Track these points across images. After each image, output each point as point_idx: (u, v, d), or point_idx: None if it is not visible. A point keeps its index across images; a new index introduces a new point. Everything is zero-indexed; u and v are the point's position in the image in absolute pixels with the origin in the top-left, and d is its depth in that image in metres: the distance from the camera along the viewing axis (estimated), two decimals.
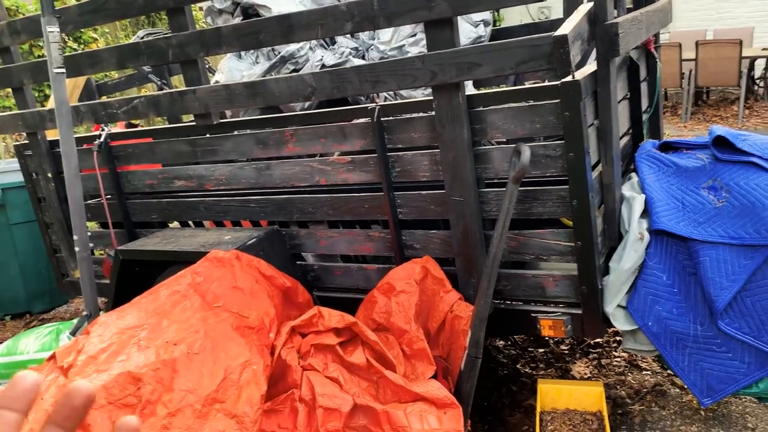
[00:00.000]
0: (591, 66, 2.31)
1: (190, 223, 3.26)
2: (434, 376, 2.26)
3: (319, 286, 2.83)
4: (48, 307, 4.29)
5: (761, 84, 8.77)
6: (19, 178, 3.99)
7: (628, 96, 2.70)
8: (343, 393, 2.13)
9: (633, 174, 2.53)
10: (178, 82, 4.77)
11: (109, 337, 2.22)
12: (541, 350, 3.23)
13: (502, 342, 3.34)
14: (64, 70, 2.50)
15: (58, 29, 2.48)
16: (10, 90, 4.14)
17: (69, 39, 7.51)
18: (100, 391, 2.01)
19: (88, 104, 3.06)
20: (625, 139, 2.68)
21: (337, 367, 2.21)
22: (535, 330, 2.36)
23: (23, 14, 6.75)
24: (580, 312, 2.28)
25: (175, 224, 3.33)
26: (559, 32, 1.97)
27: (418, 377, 2.25)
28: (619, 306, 2.29)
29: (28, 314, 4.24)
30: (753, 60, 8.03)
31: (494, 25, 3.84)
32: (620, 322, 2.29)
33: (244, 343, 2.15)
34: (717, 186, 2.28)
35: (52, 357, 2.36)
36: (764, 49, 8.04)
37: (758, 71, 8.79)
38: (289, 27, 2.39)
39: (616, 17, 2.30)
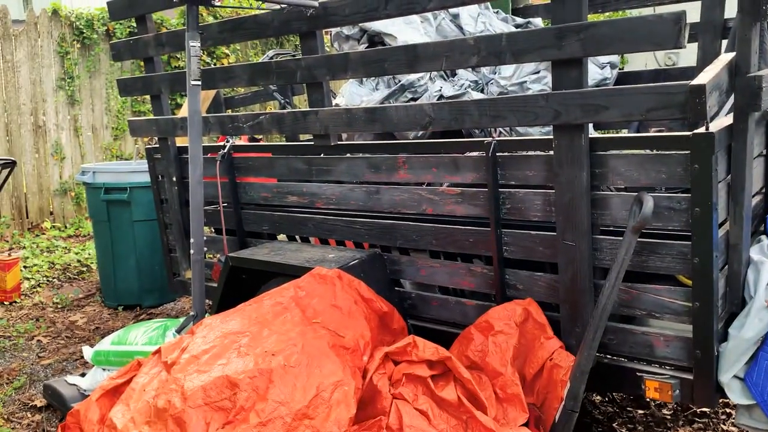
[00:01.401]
0: (726, 118, 2.18)
1: (296, 237, 3.36)
2: (526, 424, 2.18)
3: (415, 315, 2.82)
4: (157, 302, 4.54)
5: None
6: (145, 178, 4.28)
7: (765, 153, 2.52)
8: (430, 427, 2.09)
9: (763, 237, 2.36)
10: (298, 102, 4.96)
11: (213, 340, 2.31)
12: (640, 411, 3.05)
13: (599, 397, 3.18)
14: (200, 83, 2.66)
15: (200, 44, 2.64)
16: (147, 96, 4.50)
17: (204, 53, 8.03)
18: (198, 392, 2.09)
19: (217, 116, 3.24)
20: (758, 198, 2.50)
21: (427, 401, 2.18)
22: (638, 390, 2.22)
23: (167, 27, 7.29)
24: (691, 377, 2.13)
25: (282, 237, 3.43)
26: (697, 81, 1.88)
27: (509, 423, 2.18)
28: (735, 377, 2.12)
29: (139, 307, 4.50)
30: None
31: (619, 68, 3.73)
32: (736, 394, 2.11)
33: (339, 362, 2.17)
34: None
35: (158, 352, 2.48)
36: None
37: None
38: (415, 57, 2.43)
39: (759, 66, 2.17)
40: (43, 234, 6.45)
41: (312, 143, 2.99)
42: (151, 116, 3.67)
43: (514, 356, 2.33)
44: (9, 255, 4.78)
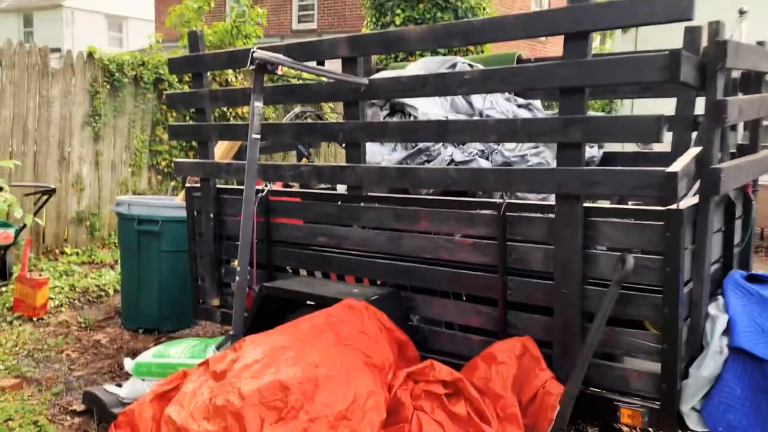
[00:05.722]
0: (693, 198, 2.72)
1: (314, 273, 3.76)
2: None
3: (425, 348, 3.25)
4: (174, 327, 4.90)
5: None
6: (174, 213, 4.73)
7: (723, 229, 3.06)
8: None
9: (720, 297, 2.87)
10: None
11: (262, 352, 2.74)
12: None
13: None
14: (260, 137, 3.15)
15: (262, 104, 3.15)
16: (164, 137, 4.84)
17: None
18: (255, 393, 2.50)
19: (262, 164, 3.72)
20: (716, 265, 3.03)
21: (442, 414, 2.61)
22: (614, 417, 2.68)
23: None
24: (657, 407, 2.60)
25: (302, 272, 3.85)
26: (672, 169, 2.42)
27: None
28: (693, 408, 2.60)
29: (157, 331, 4.85)
30: None
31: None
32: (693, 422, 2.58)
33: (371, 376, 2.60)
34: None
35: (205, 363, 2.89)
36: None
37: None
38: (445, 130, 2.95)
39: (720, 159, 2.72)
40: (56, 259, 6.79)
41: (343, 193, 3.46)
42: (177, 158, 4.13)
43: (512, 384, 2.78)
44: (40, 275, 5.15)
